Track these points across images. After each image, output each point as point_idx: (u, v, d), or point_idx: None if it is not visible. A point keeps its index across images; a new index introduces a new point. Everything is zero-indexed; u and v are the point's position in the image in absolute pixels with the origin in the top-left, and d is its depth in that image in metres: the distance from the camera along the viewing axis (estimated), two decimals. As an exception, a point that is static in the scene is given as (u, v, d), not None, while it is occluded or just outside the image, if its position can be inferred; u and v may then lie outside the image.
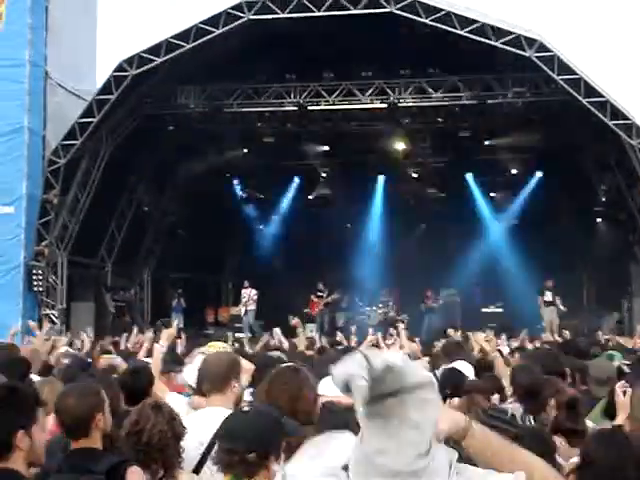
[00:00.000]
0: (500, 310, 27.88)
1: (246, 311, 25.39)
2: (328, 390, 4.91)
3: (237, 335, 21.03)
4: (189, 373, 6.18)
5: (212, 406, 4.78)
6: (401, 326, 12.97)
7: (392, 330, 18.29)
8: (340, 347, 12.31)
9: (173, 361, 7.84)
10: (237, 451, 3.28)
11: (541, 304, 23.29)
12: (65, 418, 4.07)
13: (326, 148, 26.92)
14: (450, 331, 14.90)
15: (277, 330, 13.78)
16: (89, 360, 9.95)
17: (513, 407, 5.84)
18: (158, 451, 4.08)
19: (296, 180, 29.31)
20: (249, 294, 25.46)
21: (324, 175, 29.12)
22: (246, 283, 25.80)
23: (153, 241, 27.97)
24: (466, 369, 7.29)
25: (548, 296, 23.09)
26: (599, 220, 26.43)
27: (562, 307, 23.10)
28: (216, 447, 3.44)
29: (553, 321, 22.39)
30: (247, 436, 3.33)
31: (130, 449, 4.06)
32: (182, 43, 21.28)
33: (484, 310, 28.21)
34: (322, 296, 26.68)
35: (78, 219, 23.29)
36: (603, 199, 24.73)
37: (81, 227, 23.38)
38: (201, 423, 4.46)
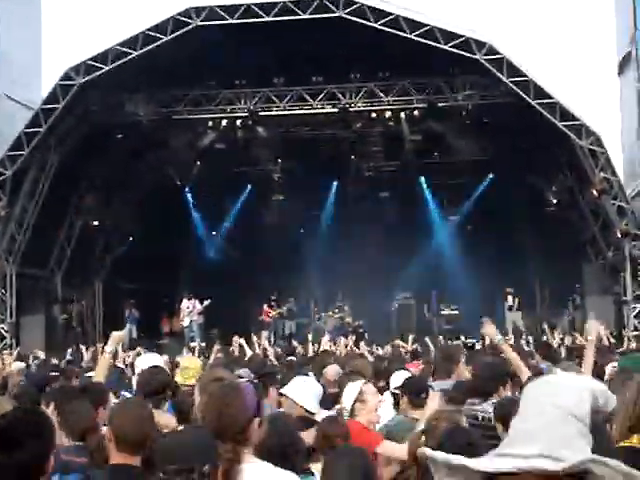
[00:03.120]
0: (456, 312, 27.95)
1: (191, 322, 24.40)
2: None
3: (191, 344, 20.78)
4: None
5: None
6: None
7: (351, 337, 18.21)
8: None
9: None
10: (195, 469, 3.07)
11: (506, 309, 24.73)
12: (121, 432, 3.91)
13: (278, 154, 26.75)
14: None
15: (237, 338, 13.81)
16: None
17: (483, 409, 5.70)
18: None
19: (248, 186, 29.06)
20: (193, 305, 24.49)
21: (277, 180, 28.94)
22: (189, 294, 25.02)
23: (104, 251, 27.47)
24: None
25: (510, 301, 24.20)
26: (551, 221, 26.60)
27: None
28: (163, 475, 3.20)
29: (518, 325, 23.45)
30: (204, 450, 3.16)
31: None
32: (129, 50, 20.97)
33: (440, 312, 28.29)
34: (273, 306, 26.49)
35: (26, 230, 22.83)
36: (555, 200, 24.90)
37: (30, 238, 22.92)
38: None
